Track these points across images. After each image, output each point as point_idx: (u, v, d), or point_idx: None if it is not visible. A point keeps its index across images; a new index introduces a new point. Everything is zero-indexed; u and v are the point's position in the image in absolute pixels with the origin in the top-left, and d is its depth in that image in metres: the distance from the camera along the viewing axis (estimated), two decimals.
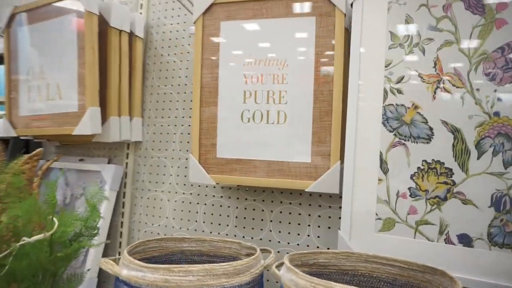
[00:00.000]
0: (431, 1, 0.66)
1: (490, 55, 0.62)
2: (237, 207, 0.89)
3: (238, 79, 0.79)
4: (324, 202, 0.81)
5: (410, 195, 0.67)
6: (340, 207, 0.78)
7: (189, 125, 0.97)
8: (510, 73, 0.61)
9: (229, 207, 0.90)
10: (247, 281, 0.56)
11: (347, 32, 0.73)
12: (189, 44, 0.99)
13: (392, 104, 0.68)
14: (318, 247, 0.81)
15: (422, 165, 0.66)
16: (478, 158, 0.63)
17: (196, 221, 0.94)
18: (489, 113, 0.62)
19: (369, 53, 0.70)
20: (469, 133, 0.63)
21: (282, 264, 0.57)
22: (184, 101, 0.98)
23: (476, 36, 0.63)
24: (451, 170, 0.64)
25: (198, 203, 0.94)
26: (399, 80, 0.68)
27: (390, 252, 0.65)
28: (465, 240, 0.63)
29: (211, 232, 0.92)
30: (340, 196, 0.79)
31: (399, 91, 0.68)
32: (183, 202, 0.96)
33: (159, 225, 0.99)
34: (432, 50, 0.66)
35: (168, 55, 1.02)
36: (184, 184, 0.96)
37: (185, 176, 0.96)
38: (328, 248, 0.80)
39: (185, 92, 0.98)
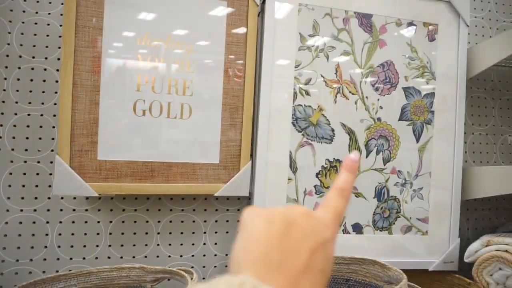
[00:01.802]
0: (334, 12, 0.72)
1: (375, 69, 0.73)
2: (110, 221, 0.71)
3: (130, 61, 0.62)
4: (221, 206, 0.75)
5: (316, 192, 0.71)
6: (239, 209, 0.75)
7: (29, 114, 0.69)
8: (388, 86, 0.74)
9: (98, 222, 0.70)
10: None
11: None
12: (25, 0, 0.70)
13: (301, 105, 0.70)
14: (215, 255, 0.74)
15: (325, 164, 0.71)
16: (367, 156, 0.73)
17: (46, 246, 0.68)
18: (374, 118, 0.73)
19: (281, 52, 0.69)
20: (360, 134, 0.72)
21: None
22: (19, 79, 0.69)
23: (366, 51, 0.73)
24: None
25: (48, 222, 0.69)
26: (307, 82, 0.70)
27: None
28: (357, 228, 0.72)
29: (71, 259, 0.69)
30: (238, 198, 0.75)
31: (307, 93, 0.70)
32: (21, 223, 0.68)
33: None
34: (334, 57, 0.71)
35: None
36: (22, 198, 0.68)
37: (23, 186, 0.68)
38: (226, 255, 0.75)
39: (19, 68, 0.69)
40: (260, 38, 0.69)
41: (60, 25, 0.71)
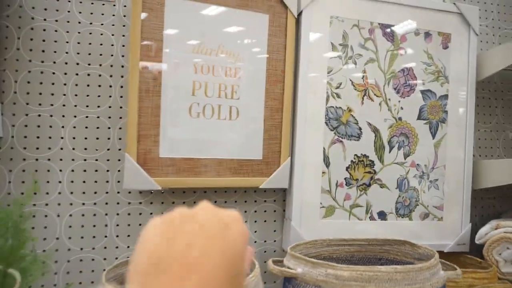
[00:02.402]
0: (361, 24, 0.80)
1: (396, 74, 0.82)
2: (162, 213, 0.78)
3: (187, 68, 0.70)
4: (259, 197, 0.83)
5: (346, 184, 0.79)
6: (275, 200, 0.84)
7: (86, 116, 0.76)
8: (407, 89, 0.83)
9: (151, 213, 0.78)
10: None
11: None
12: (80, 12, 0.77)
13: (333, 106, 0.78)
14: (255, 241, 0.82)
15: (354, 159, 0.80)
16: (389, 152, 0.82)
17: (106, 236, 0.76)
18: (396, 118, 0.82)
19: (315, 59, 0.77)
20: (384, 132, 0.81)
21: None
22: (77, 85, 0.76)
23: (389, 58, 0.82)
24: (373, 161, 0.81)
25: (106, 215, 0.76)
26: (338, 86, 0.79)
27: (332, 234, 0.75)
28: (382, 215, 0.81)
29: (128, 247, 0.77)
30: (274, 190, 0.84)
31: (338, 96, 0.79)
32: (83, 215, 0.75)
33: (44, 251, 0.73)
34: (361, 64, 0.80)
35: (45, 20, 0.75)
36: (83, 192, 0.75)
37: (84, 182, 0.75)
38: (265, 241, 0.83)
39: (77, 74, 0.76)
40: (296, 46, 0.78)
41: (112, 34, 0.78)
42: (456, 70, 0.85)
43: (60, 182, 0.75)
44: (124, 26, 0.78)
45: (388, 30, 0.81)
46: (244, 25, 0.73)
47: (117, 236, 0.77)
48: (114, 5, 0.78)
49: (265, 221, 0.84)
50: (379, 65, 0.81)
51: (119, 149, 0.77)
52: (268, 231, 0.84)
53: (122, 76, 0.78)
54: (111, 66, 0.78)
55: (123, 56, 0.78)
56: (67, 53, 0.76)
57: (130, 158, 0.66)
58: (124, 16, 0.78)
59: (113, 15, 0.78)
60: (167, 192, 0.78)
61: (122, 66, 0.78)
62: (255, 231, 0.83)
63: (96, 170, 0.76)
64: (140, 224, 0.78)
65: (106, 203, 0.76)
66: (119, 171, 0.76)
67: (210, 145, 0.72)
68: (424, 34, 0.83)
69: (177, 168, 0.69)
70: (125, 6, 0.78)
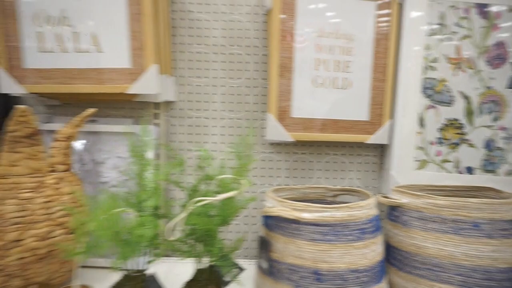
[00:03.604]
0: (457, 4, 0.93)
1: (489, 48, 0.94)
2: (287, 160, 1.02)
3: (311, 49, 0.90)
4: (362, 152, 1.03)
5: (438, 143, 0.96)
6: (374, 155, 1.03)
7: (231, 86, 1.01)
8: (498, 61, 0.94)
9: (279, 161, 1.02)
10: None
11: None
12: (223, 4, 1.00)
13: (429, 78, 0.94)
14: (358, 186, 1.03)
15: (446, 122, 0.95)
16: (478, 116, 0.95)
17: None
18: (486, 86, 0.95)
19: (415, 37, 0.92)
20: (474, 99, 0.95)
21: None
22: (223, 62, 1.01)
23: (482, 34, 0.93)
24: (463, 124, 0.95)
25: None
26: (434, 60, 0.93)
27: (425, 183, 0.93)
28: (469, 170, 0.96)
29: (261, 184, 1.02)
30: (374, 147, 1.02)
31: (433, 68, 0.94)
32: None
33: None
34: (455, 40, 0.93)
35: (199, 12, 1.00)
36: (231, 143, 1.02)
37: (230, 135, 1.02)
38: (366, 186, 1.04)
39: (223, 53, 1.01)
40: (398, 27, 0.93)
41: (248, 21, 1.00)
42: None
43: (214, 134, 1.02)
44: (256, 14, 1.00)
45: (484, 9, 0.93)
46: (357, 11, 0.91)
47: (254, 176, 1.02)
48: None
49: (366, 170, 1.04)
50: (473, 40, 0.93)
51: (255, 111, 1.01)
52: (368, 179, 1.04)
53: (256, 55, 1.01)
54: (247, 46, 1.01)
55: (256, 38, 1.00)
56: (215, 37, 1.01)
57: (272, 117, 0.89)
58: (257, 5, 1.00)
59: (248, 5, 1.00)
60: (290, 145, 1.02)
61: (256, 46, 1.01)
62: (359, 178, 1.04)
63: (239, 127, 1.02)
64: (270, 168, 1.02)
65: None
66: (255, 127, 1.01)
67: (328, 108, 0.93)
68: None
69: (303, 126, 0.92)
70: None
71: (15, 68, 0.85)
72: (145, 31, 0.82)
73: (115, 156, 0.97)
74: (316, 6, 0.89)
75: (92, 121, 0.98)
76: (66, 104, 0.99)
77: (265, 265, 0.71)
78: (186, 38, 1.00)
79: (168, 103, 1.01)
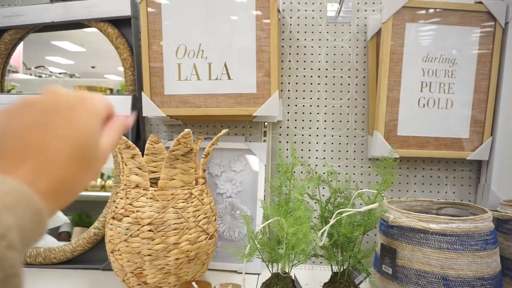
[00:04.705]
0: None
1: None
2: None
3: (417, 72, 0.98)
4: (458, 167, 1.09)
5: None
6: (470, 170, 1.08)
7: (333, 106, 1.11)
8: None
9: (377, 175, 1.10)
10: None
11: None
12: (327, 32, 1.10)
13: None
14: (453, 199, 1.09)
15: None
16: None
17: None
18: None
19: None
20: None
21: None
22: (326, 84, 1.11)
23: None
24: None
25: (346, 173, 1.11)
26: None
27: None
28: None
29: None
30: (470, 162, 1.08)
31: None
32: (331, 173, 1.11)
33: None
34: None
35: (305, 39, 1.11)
36: (331, 158, 1.11)
37: (332, 151, 1.11)
38: (461, 200, 1.09)
39: (326, 76, 1.11)
40: (501, 50, 0.99)
41: (349, 47, 1.10)
42: None
43: (317, 150, 1.12)
44: (357, 40, 1.10)
45: None
46: (459, 37, 0.98)
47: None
48: (350, 25, 1.10)
49: (462, 185, 1.09)
50: None
51: (355, 129, 1.10)
52: (464, 193, 1.09)
53: (356, 77, 1.10)
54: (349, 69, 1.10)
55: (357, 62, 1.10)
56: (319, 62, 1.11)
57: (380, 135, 0.98)
58: (357, 32, 1.09)
59: (349, 32, 1.10)
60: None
61: (356, 69, 1.10)
62: (454, 192, 1.09)
63: (339, 143, 1.11)
64: (369, 182, 1.11)
65: (346, 166, 1.11)
66: (354, 144, 1.10)
67: (431, 126, 1.00)
68: None
69: (407, 143, 0.99)
70: (357, 25, 1.09)
71: (156, 95, 1.00)
72: (270, 61, 0.94)
73: (230, 170, 1.10)
74: (422, 35, 0.97)
75: (206, 139, 1.12)
76: (186, 124, 1.13)
77: (390, 270, 0.79)
78: (293, 63, 1.11)
79: (274, 123, 1.12)
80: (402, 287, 0.77)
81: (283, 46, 1.12)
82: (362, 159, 1.11)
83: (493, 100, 1.00)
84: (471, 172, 1.09)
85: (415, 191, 1.10)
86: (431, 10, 0.97)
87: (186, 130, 0.79)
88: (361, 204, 0.80)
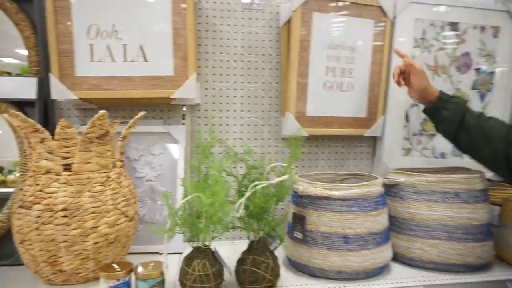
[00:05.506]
0: (435, 22, 1.15)
1: (458, 58, 1.17)
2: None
3: (323, 58, 1.08)
4: (358, 143, 1.23)
5: (419, 134, 1.18)
6: (368, 146, 1.24)
7: (249, 89, 1.17)
8: (465, 68, 1.18)
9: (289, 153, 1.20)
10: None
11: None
12: (243, 18, 1.15)
13: None
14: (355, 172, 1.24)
15: (425, 117, 1.18)
16: None
17: None
18: (456, 88, 1.18)
19: (403, 49, 1.13)
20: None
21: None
22: (242, 68, 1.16)
23: (453, 46, 1.17)
24: None
25: (262, 153, 1.18)
26: None
27: (410, 167, 1.15)
28: (443, 155, 1.20)
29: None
30: (368, 139, 1.23)
31: None
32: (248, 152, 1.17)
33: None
34: (433, 51, 1.16)
35: (221, 24, 1.14)
36: (248, 139, 1.17)
37: (248, 132, 1.17)
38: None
39: (242, 61, 1.16)
40: (390, 41, 1.14)
41: (263, 33, 1.16)
42: (503, 54, 1.19)
43: (234, 132, 1.17)
44: (271, 27, 1.16)
45: (454, 26, 1.16)
46: (356, 27, 1.10)
47: None
48: (263, 12, 1.16)
49: (361, 159, 1.24)
50: (446, 52, 1.17)
51: (269, 110, 1.18)
52: (363, 165, 1.25)
53: (270, 62, 1.17)
54: (263, 55, 1.17)
55: (270, 48, 1.17)
56: (235, 46, 1.16)
57: (291, 116, 1.07)
58: (271, 20, 1.16)
59: (263, 19, 1.16)
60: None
61: (270, 55, 1.17)
62: (355, 166, 1.24)
63: (255, 124, 1.18)
64: (282, 159, 1.20)
65: (262, 146, 1.19)
66: (269, 125, 1.18)
67: (335, 107, 1.11)
68: (480, 28, 1.17)
69: (315, 122, 1.10)
70: (270, 12, 1.16)
71: (66, 77, 0.95)
72: (187, 44, 0.95)
73: (149, 154, 1.10)
74: (327, 24, 1.07)
75: (123, 123, 1.10)
76: (100, 108, 1.09)
77: (300, 235, 0.89)
78: (210, 47, 1.14)
79: (193, 106, 1.14)
80: (311, 249, 0.87)
81: (199, 30, 1.13)
82: (276, 139, 1.19)
83: (384, 84, 1.15)
84: (368, 147, 1.24)
85: (323, 166, 1.22)
86: (336, 2, 1.07)
87: (101, 111, 0.78)
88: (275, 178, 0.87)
